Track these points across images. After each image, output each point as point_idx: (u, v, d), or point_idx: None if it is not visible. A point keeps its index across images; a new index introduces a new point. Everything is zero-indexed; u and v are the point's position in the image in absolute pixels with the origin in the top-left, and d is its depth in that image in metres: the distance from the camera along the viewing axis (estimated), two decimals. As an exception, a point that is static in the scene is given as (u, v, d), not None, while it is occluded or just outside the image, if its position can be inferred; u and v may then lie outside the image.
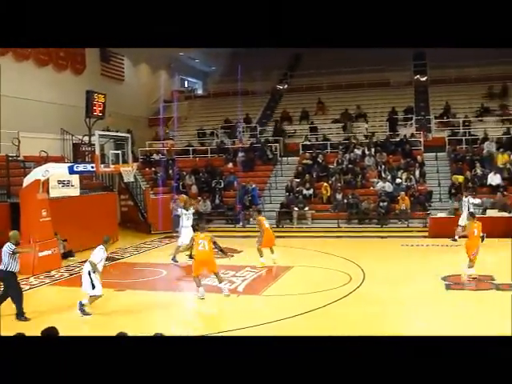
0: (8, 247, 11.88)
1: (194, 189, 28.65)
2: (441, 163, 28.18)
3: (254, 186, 27.49)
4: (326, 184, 26.77)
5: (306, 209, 25.81)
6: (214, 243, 13.51)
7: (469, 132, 29.91)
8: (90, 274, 11.91)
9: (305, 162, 29.31)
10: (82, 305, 11.96)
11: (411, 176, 26.57)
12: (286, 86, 38.69)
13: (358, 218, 25.46)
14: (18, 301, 11.83)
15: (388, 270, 16.33)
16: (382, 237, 22.67)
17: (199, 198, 27.32)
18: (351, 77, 35.23)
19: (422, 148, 29.09)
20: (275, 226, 24.38)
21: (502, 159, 26.58)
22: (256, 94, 37.25)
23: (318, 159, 29.01)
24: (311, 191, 26.89)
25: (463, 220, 20.35)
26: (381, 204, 25.04)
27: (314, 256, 19.11)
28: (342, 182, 27.13)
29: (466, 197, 21.79)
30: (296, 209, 25.70)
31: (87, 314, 11.91)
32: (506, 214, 22.42)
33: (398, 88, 35.06)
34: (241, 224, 25.97)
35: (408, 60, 35.66)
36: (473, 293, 13.50)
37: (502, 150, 27.13)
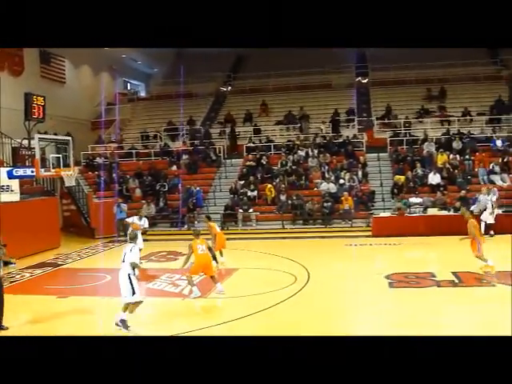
0: None
1: (138, 192, 28.36)
2: (383, 164, 28.67)
3: (198, 188, 27.39)
4: (270, 185, 26.86)
5: (251, 210, 25.84)
6: (209, 249, 13.55)
7: (409, 133, 30.53)
8: (129, 278, 10.55)
9: (249, 163, 29.36)
10: (123, 321, 10.65)
11: (354, 176, 26.93)
12: (229, 87, 38.74)
13: (303, 219, 25.63)
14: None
15: (332, 269, 16.49)
16: (326, 237, 22.90)
17: (143, 201, 27.05)
18: (295, 79, 35.60)
19: (364, 149, 29.54)
20: (220, 228, 24.37)
21: (441, 159, 27.22)
22: (200, 96, 37.15)
23: (262, 161, 29.11)
24: (255, 193, 26.94)
25: (486, 217, 21.48)
26: (325, 204, 25.27)
27: (259, 257, 19.15)
28: (286, 183, 27.26)
29: (489, 194, 22.46)
30: (240, 211, 25.71)
31: (127, 327, 10.62)
32: (445, 213, 22.93)
33: (340, 90, 35.51)
34: (186, 227, 25.80)
35: (350, 62, 36.19)
36: (415, 290, 13.72)
37: (441, 150, 27.81)
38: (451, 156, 27.48)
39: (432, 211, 23.08)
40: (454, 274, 14.72)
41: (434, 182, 25.75)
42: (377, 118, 32.28)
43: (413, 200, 24.18)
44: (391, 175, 27.42)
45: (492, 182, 25.45)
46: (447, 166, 26.77)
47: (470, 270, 14.71)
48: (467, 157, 27.40)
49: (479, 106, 32.32)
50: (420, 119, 31.92)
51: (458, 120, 31.47)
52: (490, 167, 26.45)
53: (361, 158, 28.21)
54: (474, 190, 24.58)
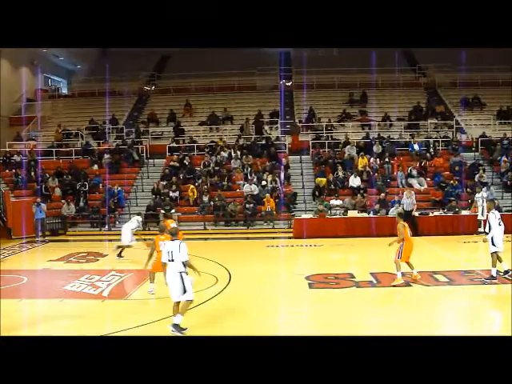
0: None
1: (58, 191, 27.67)
2: (305, 166, 29.03)
3: (119, 188, 26.98)
4: (192, 186, 26.75)
5: (173, 211, 25.59)
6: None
7: (331, 136, 31.02)
8: (181, 276, 10.02)
9: (172, 164, 29.13)
10: (176, 325, 9.99)
11: (276, 178, 27.14)
12: (153, 87, 38.32)
13: (225, 220, 25.67)
14: None
15: (254, 270, 16.51)
16: (248, 238, 22.99)
17: (63, 200, 26.43)
18: (219, 79, 35.55)
19: (286, 151, 29.82)
20: (141, 229, 24.10)
21: (361, 162, 27.81)
22: (123, 94, 36.56)
23: (185, 161, 28.94)
24: (177, 193, 26.76)
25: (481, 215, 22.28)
26: (247, 206, 25.38)
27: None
28: (208, 184, 27.20)
29: (479, 192, 23.31)
30: (162, 211, 25.43)
31: (185, 329, 10.03)
32: (365, 215, 23.43)
33: (264, 92, 35.73)
34: (106, 227, 25.37)
35: (274, 65, 36.47)
36: (334, 291, 13.92)
37: (361, 153, 28.38)
38: (371, 159, 28.12)
39: (352, 213, 23.52)
40: (373, 274, 15.03)
41: (354, 185, 26.29)
42: (300, 121, 32.64)
43: (333, 202, 24.60)
44: (313, 177, 27.79)
45: (410, 186, 26.20)
46: (367, 169, 27.37)
47: (387, 271, 15.04)
48: (386, 160, 28.10)
49: (399, 112, 33.23)
50: (342, 123, 32.53)
51: (379, 125, 32.31)
52: (408, 171, 27.23)
53: (283, 160, 28.46)
54: (393, 193, 25.26)
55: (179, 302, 10.09)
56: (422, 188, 26.58)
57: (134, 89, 36.99)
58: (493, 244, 14.12)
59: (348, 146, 29.27)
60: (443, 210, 24.17)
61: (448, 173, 27.64)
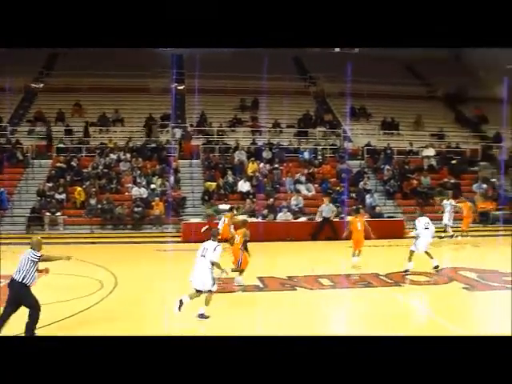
0: (32, 254, 10.07)
1: None
2: (195, 170, 29.01)
3: (2, 189, 25.86)
4: (79, 188, 26.04)
5: (58, 214, 24.88)
6: None
7: (222, 141, 31.18)
8: (211, 271, 11.53)
9: (58, 165, 28.26)
10: (202, 314, 11.52)
11: (166, 182, 26.95)
12: (41, 85, 36.94)
13: (112, 224, 25.17)
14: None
15: (141, 275, 16.35)
16: (136, 242, 22.70)
17: None
18: (111, 80, 34.77)
19: (177, 155, 29.67)
20: (25, 231, 23.32)
21: (251, 168, 28.14)
22: (7, 91, 35.02)
23: (73, 163, 28.18)
24: (64, 196, 25.96)
25: (446, 219, 23.70)
26: (135, 209, 25.04)
27: (66, 263, 18.42)
28: (96, 186, 26.56)
29: (449, 200, 24.29)
30: (48, 214, 24.68)
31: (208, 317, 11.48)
32: (254, 220, 23.69)
33: (156, 94, 35.35)
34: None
35: (167, 67, 36.19)
36: (221, 295, 13.97)
37: (252, 159, 28.70)
38: (261, 165, 28.49)
39: (240, 218, 23.66)
40: (260, 278, 15.23)
41: (243, 190, 26.54)
42: (191, 125, 32.58)
43: (222, 207, 24.71)
44: (202, 182, 27.80)
45: (298, 191, 26.77)
46: (257, 174, 27.71)
47: (274, 275, 15.30)
48: (276, 166, 28.58)
49: (289, 119, 33.88)
50: (233, 128, 32.77)
51: (269, 131, 32.78)
52: (297, 177, 27.81)
53: (173, 163, 28.31)
54: (281, 199, 25.73)
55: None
56: (310, 194, 27.23)
57: (19, 86, 35.53)
58: (415, 244, 16.56)
59: (238, 151, 29.53)
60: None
61: (335, 179, 28.45)
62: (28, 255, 10.11)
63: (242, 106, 34.75)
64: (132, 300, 13.28)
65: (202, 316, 11.50)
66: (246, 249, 14.71)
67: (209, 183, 26.93)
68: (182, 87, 36.70)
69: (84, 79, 34.91)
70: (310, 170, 28.77)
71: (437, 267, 16.57)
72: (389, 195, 28.46)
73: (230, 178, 27.36)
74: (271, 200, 25.27)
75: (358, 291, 14.65)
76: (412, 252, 16.54)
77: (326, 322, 11.95)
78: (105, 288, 14.35)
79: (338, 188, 27.21)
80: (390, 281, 15.40)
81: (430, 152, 32.09)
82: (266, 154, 29.67)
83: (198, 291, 11.68)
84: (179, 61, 37.20)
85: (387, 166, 29.84)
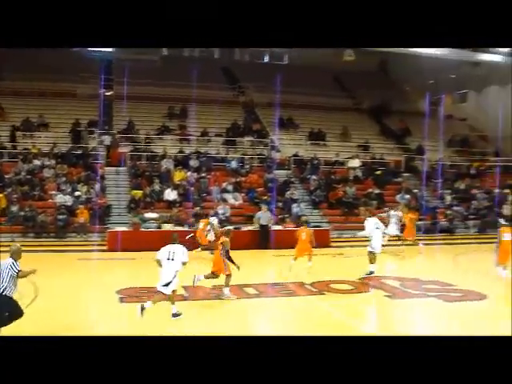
0: (12, 266, 9.97)
1: None
2: (121, 177, 28.63)
3: None
4: (1, 195, 25.24)
5: (-18, 221, 24.10)
6: None
7: (149, 149, 30.91)
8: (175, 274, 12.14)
9: (-22, 170, 27.36)
10: (175, 313, 12.22)
11: (91, 189, 26.47)
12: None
13: (35, 232, 24.50)
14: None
15: (63, 284, 15.98)
16: (59, 251, 22.19)
17: None
18: (36, 84, 33.96)
19: (103, 161, 29.21)
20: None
21: (178, 176, 28.02)
22: None
23: (-6, 168, 27.35)
24: (-16, 202, 25.13)
25: (392, 230, 23.77)
26: (59, 217, 24.48)
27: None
28: (18, 193, 25.79)
29: (395, 211, 24.57)
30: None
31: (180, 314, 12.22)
32: (180, 228, 23.58)
33: (83, 100, 34.74)
34: None
35: (95, 73, 35.57)
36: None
37: (179, 167, 28.59)
38: (188, 173, 28.40)
39: (167, 226, 23.56)
40: (184, 288, 15.17)
41: (170, 198, 26.38)
42: (118, 132, 32.19)
43: (148, 215, 24.50)
44: (129, 190, 27.47)
45: (225, 200, 26.82)
46: (184, 182, 27.61)
47: (199, 285, 15.26)
48: (203, 175, 28.55)
49: (217, 128, 33.93)
50: (160, 136, 32.56)
51: (197, 139, 32.73)
52: (224, 186, 27.87)
53: (100, 170, 27.87)
54: (208, 207, 25.71)
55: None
56: (237, 203, 27.32)
57: None
58: (370, 245, 17.43)
59: (165, 159, 29.34)
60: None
61: (262, 189, 28.64)
62: (8, 267, 10.12)
63: (170, 113, 34.60)
64: (53, 310, 12.96)
65: (175, 315, 12.16)
66: (229, 258, 14.55)
67: (135, 191, 26.62)
68: (110, 93, 36.24)
69: (7, 83, 33.95)
70: (237, 179, 28.87)
71: (371, 273, 17.24)
72: (315, 205, 28.87)
73: (157, 187, 27.13)
74: (197, 208, 25.20)
75: (282, 300, 14.78)
76: (371, 253, 17.45)
77: (245, 330, 11.97)
78: (24, 299, 13.93)
79: (264, 197, 27.39)
80: (314, 290, 15.59)
81: (356, 163, 32.79)
82: (194, 163, 29.62)
83: (159, 292, 12.29)
84: (108, 66, 36.73)
85: (314, 176, 30.30)
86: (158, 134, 32.67)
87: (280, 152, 33.00)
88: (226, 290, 14.28)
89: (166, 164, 28.98)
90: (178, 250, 12.24)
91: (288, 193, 28.30)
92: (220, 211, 25.53)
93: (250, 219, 25.48)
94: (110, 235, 23.00)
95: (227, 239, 14.52)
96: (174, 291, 12.27)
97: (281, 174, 30.50)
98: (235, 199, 27.54)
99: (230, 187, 27.96)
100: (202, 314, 13.03)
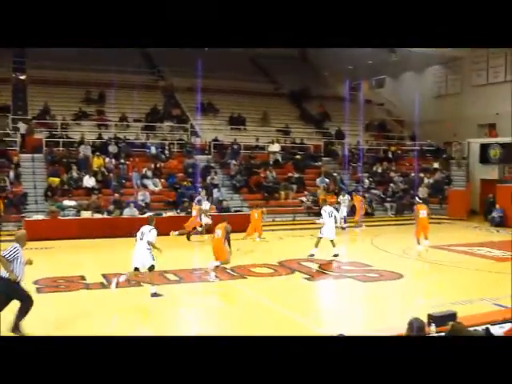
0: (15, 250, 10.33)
1: None
2: (37, 165, 27.79)
3: None
4: None
5: None
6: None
7: (66, 135, 30.16)
8: (149, 250, 13.02)
9: None
10: (155, 293, 13.02)
11: (6, 177, 25.59)
12: None
13: None
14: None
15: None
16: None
17: None
18: None
19: (18, 148, 28.28)
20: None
21: (97, 162, 27.50)
22: None
23: None
24: None
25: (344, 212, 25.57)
26: (-28, 206, 23.65)
27: None
28: None
29: (344, 196, 26.74)
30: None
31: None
32: (99, 216, 23.25)
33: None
34: None
35: (7, 57, 34.37)
36: (64, 294, 13.63)
37: (97, 153, 28.07)
38: (107, 160, 27.94)
39: (86, 214, 23.16)
40: (104, 275, 15.00)
41: (88, 185, 25.89)
42: (33, 118, 31.23)
43: (66, 203, 24.00)
44: (46, 177, 26.73)
45: (145, 186, 26.58)
46: (102, 169, 27.15)
47: (119, 272, 15.10)
48: (122, 161, 28.15)
49: (136, 113, 33.45)
50: (78, 121, 31.82)
51: (116, 125, 32.21)
52: (144, 172, 27.58)
53: (14, 158, 27.00)
54: (128, 194, 25.42)
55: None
56: (157, 189, 27.13)
57: None
58: (321, 231, 18.37)
59: (83, 146, 28.69)
60: (176, 210, 24.95)
61: (182, 174, 28.53)
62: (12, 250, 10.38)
63: (87, 98, 33.81)
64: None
65: (154, 295, 12.94)
66: (228, 243, 15.33)
67: (52, 178, 25.92)
68: (23, 77, 35.11)
69: None
70: (157, 165, 28.62)
71: (336, 255, 18.08)
72: (235, 189, 29.01)
73: (75, 173, 26.53)
74: (117, 195, 24.85)
75: (204, 285, 14.84)
76: (319, 238, 18.35)
77: (164, 320, 11.98)
78: None
79: (185, 183, 27.31)
80: (235, 274, 15.72)
81: (276, 147, 33.09)
82: (113, 149, 29.13)
83: (136, 269, 13.21)
84: (20, 50, 35.49)
85: (234, 161, 30.39)
86: (74, 120, 31.87)
87: (200, 137, 32.87)
88: (213, 274, 15.20)
89: (84, 150, 28.34)
90: (145, 230, 13.21)
91: (209, 178, 28.30)
92: (140, 197, 25.31)
93: (170, 205, 25.39)
94: (27, 224, 22.36)
95: (228, 225, 15.30)
96: (150, 270, 13.10)
97: (201, 159, 30.41)
98: (155, 185, 27.33)
99: (149, 173, 27.68)
100: (119, 303, 12.93)
